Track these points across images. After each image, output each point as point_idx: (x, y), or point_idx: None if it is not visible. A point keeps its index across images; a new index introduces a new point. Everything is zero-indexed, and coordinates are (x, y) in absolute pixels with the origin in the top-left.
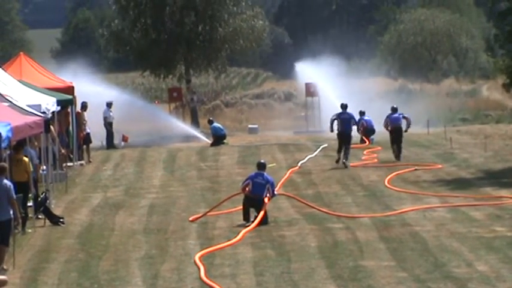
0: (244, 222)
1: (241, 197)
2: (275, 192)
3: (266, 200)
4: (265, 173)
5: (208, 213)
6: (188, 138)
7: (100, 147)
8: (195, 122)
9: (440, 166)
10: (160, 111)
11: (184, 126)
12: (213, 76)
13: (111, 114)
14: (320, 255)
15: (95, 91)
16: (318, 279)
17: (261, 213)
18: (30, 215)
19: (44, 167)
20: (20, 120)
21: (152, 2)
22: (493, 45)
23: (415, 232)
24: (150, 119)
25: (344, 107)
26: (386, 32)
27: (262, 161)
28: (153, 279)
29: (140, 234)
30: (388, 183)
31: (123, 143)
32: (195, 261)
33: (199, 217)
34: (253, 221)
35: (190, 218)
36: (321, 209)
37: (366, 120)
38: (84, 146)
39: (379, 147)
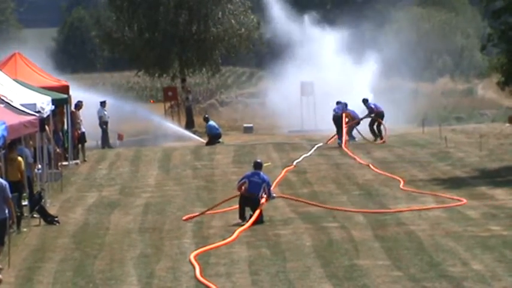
0: (239, 221)
1: (237, 196)
2: (273, 195)
3: (263, 200)
4: (261, 172)
5: (204, 211)
6: (181, 138)
7: (95, 147)
8: (190, 121)
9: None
10: (152, 113)
11: (176, 128)
12: (206, 76)
13: (105, 113)
14: (315, 254)
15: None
16: (313, 278)
17: (256, 212)
18: (25, 214)
19: (39, 166)
20: (15, 119)
21: (146, 1)
22: (487, 44)
23: (411, 231)
24: (143, 119)
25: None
26: (381, 31)
27: (258, 160)
28: (148, 278)
29: (135, 233)
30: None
31: (118, 142)
32: (190, 260)
33: (193, 217)
34: (248, 220)
35: (184, 217)
36: (320, 204)
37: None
38: (79, 145)
39: None
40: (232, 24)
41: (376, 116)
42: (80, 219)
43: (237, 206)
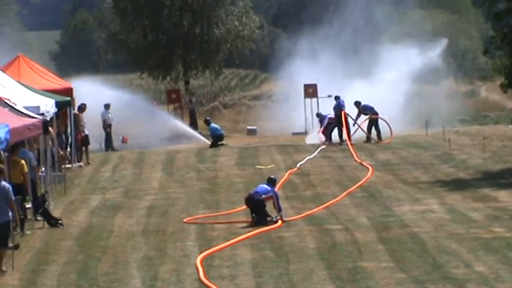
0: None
1: (240, 198)
2: (284, 218)
3: (279, 222)
4: (274, 188)
5: (206, 215)
6: (188, 138)
7: (98, 149)
8: (193, 124)
9: None
10: (160, 111)
11: (184, 126)
12: (209, 78)
13: (109, 116)
14: (319, 257)
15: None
16: (317, 280)
17: (263, 228)
18: (29, 217)
19: (43, 169)
20: (19, 122)
21: (150, 3)
22: (489, 47)
23: (414, 233)
24: (149, 119)
25: None
26: (384, 33)
27: (272, 176)
28: (152, 280)
29: (139, 235)
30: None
31: (123, 144)
32: (196, 264)
33: (194, 218)
34: (253, 220)
35: (185, 220)
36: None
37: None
38: (83, 148)
39: None
40: (236, 26)
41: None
42: (84, 221)
43: (240, 208)
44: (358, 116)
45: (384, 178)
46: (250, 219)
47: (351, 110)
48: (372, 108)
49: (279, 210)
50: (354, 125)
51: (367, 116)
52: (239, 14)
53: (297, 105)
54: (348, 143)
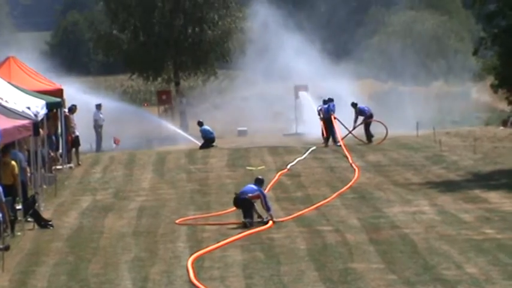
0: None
1: (231, 199)
2: (274, 219)
3: (270, 223)
4: (261, 188)
5: (197, 217)
6: (178, 139)
7: (89, 150)
8: (184, 125)
9: None
10: (149, 114)
11: (173, 128)
12: (201, 79)
13: (101, 116)
14: (309, 258)
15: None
16: (308, 281)
17: (255, 229)
18: (19, 218)
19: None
20: (9, 123)
21: (141, 5)
22: (479, 48)
23: (405, 234)
24: (139, 122)
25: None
26: (375, 35)
27: (260, 177)
28: (143, 282)
29: (129, 237)
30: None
31: (114, 145)
32: (186, 266)
33: (186, 219)
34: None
35: (177, 221)
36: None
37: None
38: (73, 149)
39: None
40: (229, 28)
41: (368, 118)
42: (74, 223)
43: (231, 210)
44: (356, 118)
45: (375, 179)
46: (240, 221)
47: (344, 112)
48: (368, 110)
49: (268, 209)
50: (355, 128)
51: (362, 119)
52: (233, 18)
53: (288, 106)
54: (343, 147)
